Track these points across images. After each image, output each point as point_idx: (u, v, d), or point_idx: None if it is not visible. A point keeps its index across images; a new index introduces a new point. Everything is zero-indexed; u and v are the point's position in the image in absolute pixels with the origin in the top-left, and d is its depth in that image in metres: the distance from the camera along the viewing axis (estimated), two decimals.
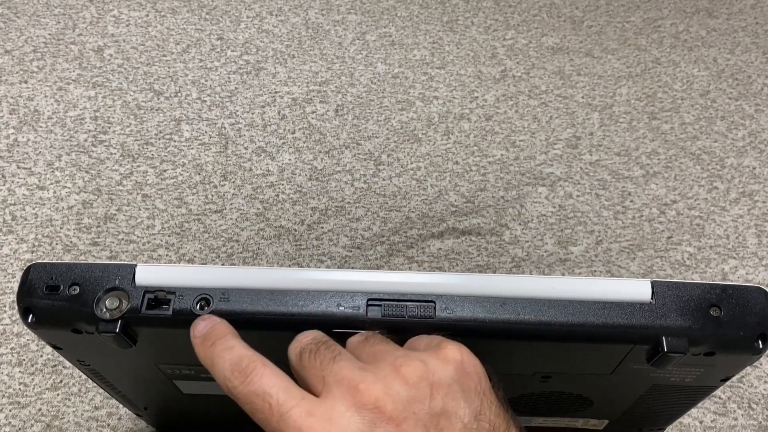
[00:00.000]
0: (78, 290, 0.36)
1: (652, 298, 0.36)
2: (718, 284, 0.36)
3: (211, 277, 0.37)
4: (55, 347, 0.40)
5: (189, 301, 0.36)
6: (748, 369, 0.63)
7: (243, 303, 0.36)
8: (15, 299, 0.63)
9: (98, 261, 0.38)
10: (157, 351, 0.40)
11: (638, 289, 0.36)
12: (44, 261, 0.38)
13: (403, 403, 0.31)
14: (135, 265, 0.37)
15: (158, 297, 0.36)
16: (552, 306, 0.36)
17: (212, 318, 0.35)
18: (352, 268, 0.68)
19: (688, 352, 0.35)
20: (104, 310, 0.36)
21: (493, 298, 0.36)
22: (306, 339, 0.35)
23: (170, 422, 0.57)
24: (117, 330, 0.35)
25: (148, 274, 0.37)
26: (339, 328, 0.36)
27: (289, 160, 0.77)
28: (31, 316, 0.37)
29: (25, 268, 0.66)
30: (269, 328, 0.36)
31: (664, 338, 0.35)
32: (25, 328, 0.62)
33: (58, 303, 0.36)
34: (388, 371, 0.32)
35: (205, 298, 0.36)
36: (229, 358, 0.33)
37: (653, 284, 0.36)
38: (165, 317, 0.36)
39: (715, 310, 0.36)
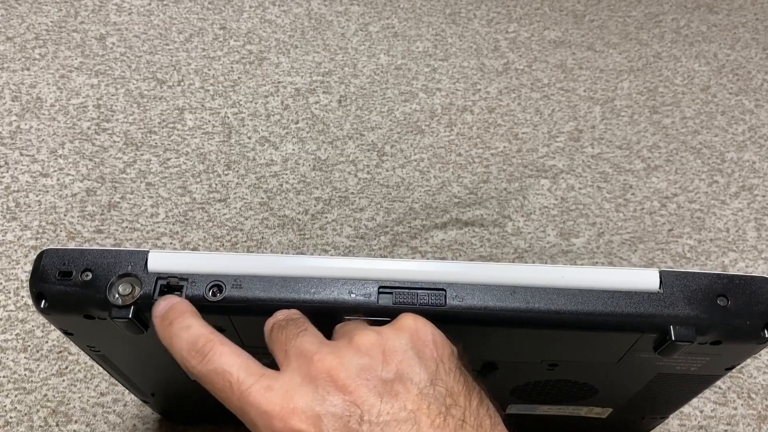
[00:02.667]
0: (90, 276, 0.36)
1: (660, 288, 0.36)
2: (725, 274, 0.37)
3: (223, 264, 0.37)
4: (66, 333, 0.40)
5: (201, 287, 0.36)
6: (748, 360, 0.64)
7: (256, 290, 0.36)
8: (19, 286, 0.64)
9: (110, 247, 0.38)
10: None
11: (647, 279, 0.37)
12: (57, 247, 0.38)
13: (355, 371, 0.31)
14: (147, 252, 0.37)
15: (171, 283, 0.36)
16: (561, 295, 0.36)
17: (171, 297, 0.36)
18: (361, 256, 0.69)
19: (695, 341, 0.36)
20: (117, 296, 0.36)
21: (503, 286, 0.37)
22: (280, 315, 0.35)
23: (175, 409, 0.57)
24: (130, 316, 0.36)
25: (160, 261, 0.37)
26: (350, 315, 0.36)
27: (293, 150, 0.77)
28: (43, 301, 0.37)
29: (28, 254, 0.66)
30: None
31: (671, 327, 0.36)
32: (30, 314, 0.62)
33: (70, 289, 0.36)
34: (343, 343, 0.33)
35: (218, 284, 0.36)
36: (186, 337, 0.33)
37: (661, 274, 0.37)
38: None
39: (722, 300, 0.36)
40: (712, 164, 0.80)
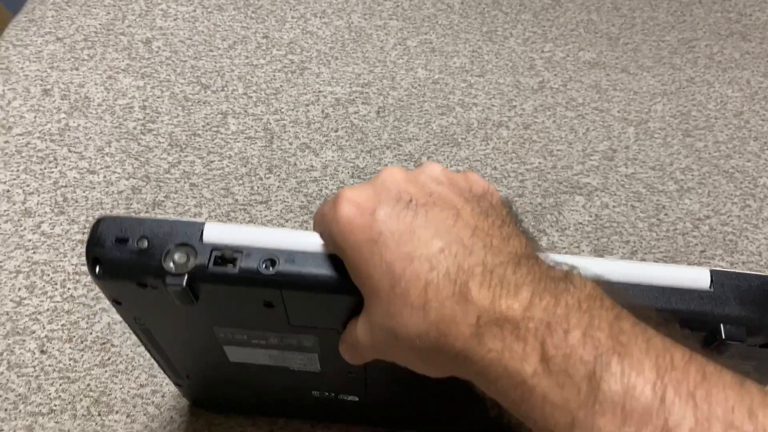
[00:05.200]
0: (146, 244, 0.36)
1: (710, 287, 0.37)
2: None
3: (276, 239, 0.37)
4: (115, 302, 0.40)
5: (256, 260, 0.36)
6: None
7: (309, 266, 0.37)
8: (66, 278, 0.65)
9: (167, 217, 0.38)
10: (216, 312, 0.40)
11: (697, 277, 0.37)
12: (114, 214, 0.39)
13: (410, 177, 0.37)
14: (203, 223, 0.37)
15: (225, 255, 0.36)
16: (612, 289, 0.37)
17: None
18: None
19: (745, 341, 0.36)
20: (172, 264, 0.36)
21: None
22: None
23: (207, 396, 0.57)
24: (183, 284, 0.35)
25: (215, 233, 0.37)
26: None
27: (332, 157, 0.78)
28: (98, 267, 0.37)
29: (75, 248, 0.68)
30: (330, 292, 0.37)
31: (722, 326, 0.36)
32: (76, 306, 0.64)
33: (126, 255, 0.36)
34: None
35: (272, 258, 0.36)
36: None
37: (712, 273, 0.37)
38: (231, 275, 0.36)
39: None
40: (745, 189, 0.81)
